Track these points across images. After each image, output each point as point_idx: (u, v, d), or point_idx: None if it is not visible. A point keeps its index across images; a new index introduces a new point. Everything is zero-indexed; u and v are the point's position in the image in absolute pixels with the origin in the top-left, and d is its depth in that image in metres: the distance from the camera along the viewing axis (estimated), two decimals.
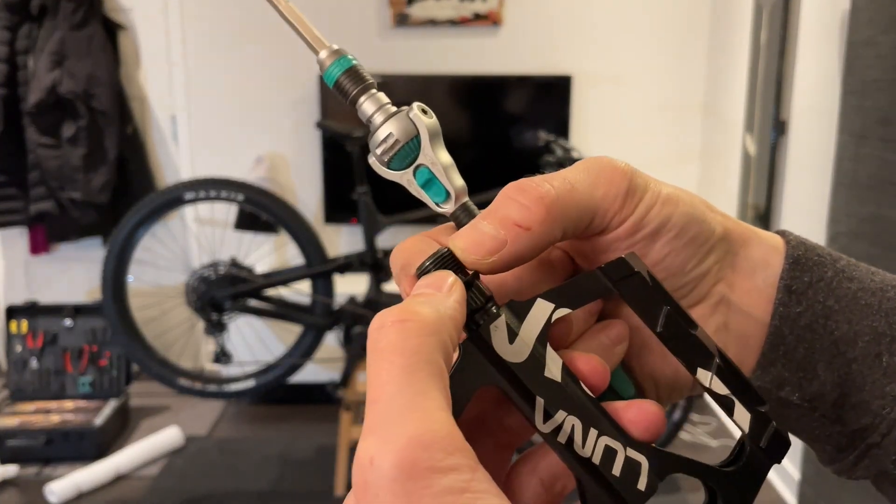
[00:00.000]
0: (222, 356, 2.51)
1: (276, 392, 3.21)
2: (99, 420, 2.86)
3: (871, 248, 1.90)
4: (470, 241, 0.29)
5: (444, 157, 0.31)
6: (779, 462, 0.29)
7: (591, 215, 0.31)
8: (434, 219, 2.65)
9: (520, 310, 0.29)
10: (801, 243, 0.35)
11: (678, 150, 3.49)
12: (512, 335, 0.28)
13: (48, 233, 3.40)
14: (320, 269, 2.43)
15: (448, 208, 0.31)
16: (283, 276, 2.46)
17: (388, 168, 0.31)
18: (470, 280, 0.28)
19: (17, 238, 3.55)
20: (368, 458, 0.23)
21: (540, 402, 0.28)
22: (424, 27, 3.33)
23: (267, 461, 2.80)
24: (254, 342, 3.06)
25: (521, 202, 0.29)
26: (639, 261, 0.29)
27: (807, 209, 2.44)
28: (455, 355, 0.27)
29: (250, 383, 2.56)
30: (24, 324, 3.09)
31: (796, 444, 2.29)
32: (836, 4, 2.26)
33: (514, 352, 0.28)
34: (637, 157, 3.48)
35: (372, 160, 0.31)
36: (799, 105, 2.51)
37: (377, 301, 2.44)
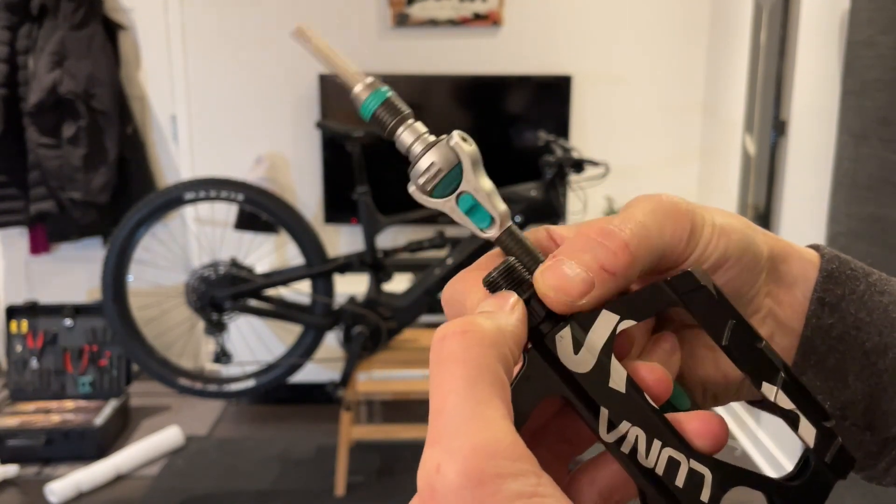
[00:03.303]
0: (222, 356, 2.51)
1: (277, 392, 3.21)
2: (99, 420, 2.86)
3: (870, 247, 1.90)
4: (560, 283, 0.29)
5: (486, 183, 0.31)
6: (844, 478, 0.29)
7: (661, 257, 0.31)
8: (434, 218, 2.66)
9: (585, 321, 0.29)
10: (835, 257, 0.36)
11: (678, 149, 3.50)
12: (577, 345, 0.28)
13: (48, 233, 3.41)
14: (320, 268, 2.43)
15: (493, 233, 0.31)
16: (283, 276, 2.46)
17: (431, 197, 0.31)
18: (534, 293, 0.29)
19: (17, 238, 3.55)
20: (435, 465, 0.24)
21: (604, 412, 0.28)
22: (424, 27, 3.33)
23: (267, 461, 2.80)
24: (254, 342, 3.06)
25: (607, 247, 0.30)
26: (705, 275, 0.30)
27: (806, 209, 2.44)
28: (518, 367, 0.28)
29: (250, 383, 2.56)
30: (25, 324, 3.10)
31: (796, 443, 2.27)
32: (836, 5, 2.26)
33: (579, 362, 0.28)
34: (637, 157, 3.49)
35: (413, 189, 0.31)
36: (799, 105, 2.51)
37: (377, 301, 2.44)
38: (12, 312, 3.11)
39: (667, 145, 3.48)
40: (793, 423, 0.29)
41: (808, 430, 0.29)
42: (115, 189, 3.25)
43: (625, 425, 0.28)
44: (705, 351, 0.34)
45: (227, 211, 3.34)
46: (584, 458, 0.32)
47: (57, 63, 3.08)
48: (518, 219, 2.34)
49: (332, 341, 2.56)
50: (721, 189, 3.21)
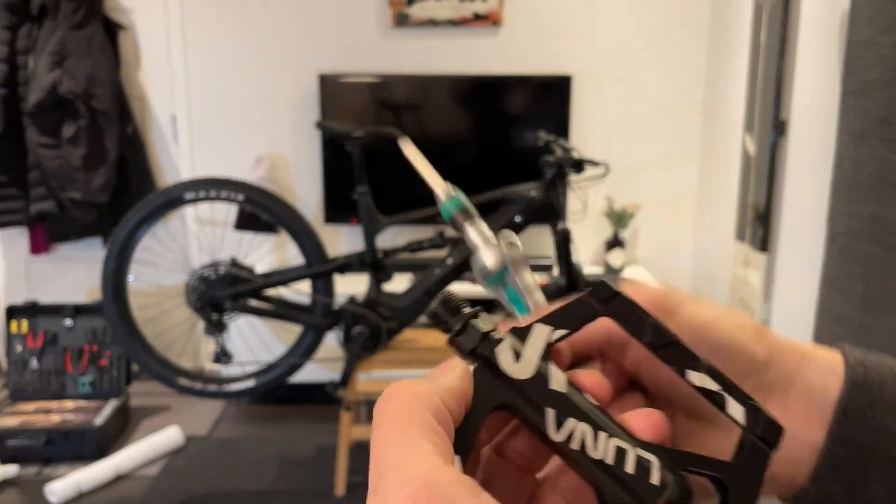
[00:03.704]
0: (222, 356, 2.51)
1: (277, 392, 3.21)
2: (99, 420, 2.86)
3: (870, 248, 1.90)
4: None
5: (528, 278, 0.38)
6: (776, 447, 0.31)
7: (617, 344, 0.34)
8: (434, 219, 2.64)
9: (521, 334, 0.31)
10: (860, 363, 0.35)
11: (678, 150, 3.50)
12: (517, 355, 0.30)
13: (48, 233, 3.41)
14: (320, 269, 2.42)
15: (529, 320, 0.34)
16: (284, 276, 2.46)
17: (485, 284, 0.39)
18: (473, 313, 0.31)
19: (17, 238, 3.55)
20: None
21: (550, 412, 0.29)
22: (424, 27, 3.33)
23: (267, 461, 2.81)
24: (254, 342, 3.06)
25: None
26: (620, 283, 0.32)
27: (806, 209, 2.45)
28: (457, 411, 0.29)
29: (250, 383, 2.55)
30: (25, 324, 3.10)
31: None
32: (836, 4, 2.26)
33: (521, 370, 0.30)
34: (637, 157, 3.49)
35: (473, 276, 0.37)
36: (799, 105, 2.51)
37: (377, 301, 2.44)
38: (12, 312, 3.11)
39: (667, 145, 3.48)
40: (720, 404, 0.31)
41: (736, 409, 0.31)
42: (115, 189, 3.26)
43: (571, 422, 0.29)
44: (691, 426, 0.35)
45: (227, 211, 3.34)
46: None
47: (57, 63, 3.08)
48: (518, 219, 2.34)
49: (332, 341, 2.56)
50: (721, 189, 3.21)
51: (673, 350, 0.31)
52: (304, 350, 2.52)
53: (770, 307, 2.72)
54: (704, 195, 3.44)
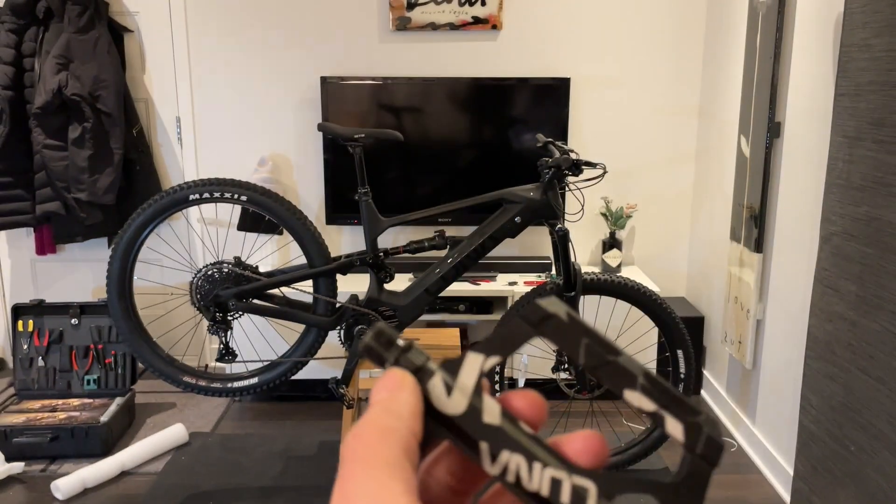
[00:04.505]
0: (226, 354, 2.54)
1: (280, 389, 3.25)
2: (104, 417, 2.89)
3: (864, 248, 1.93)
4: None
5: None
6: (716, 465, 0.30)
7: None
8: (434, 219, 2.67)
9: (452, 366, 0.31)
10: None
11: (674, 151, 3.53)
12: (448, 389, 0.30)
13: (54, 234, 3.43)
14: (322, 268, 2.46)
15: None
16: (286, 276, 2.49)
17: None
18: (407, 346, 0.31)
19: (23, 238, 3.58)
20: None
21: (484, 446, 0.29)
22: (425, 31, 3.36)
23: (270, 457, 2.84)
24: (257, 340, 3.09)
25: None
26: (556, 303, 0.31)
27: (801, 210, 2.48)
28: (420, 431, 0.29)
29: (254, 381, 2.59)
30: (31, 322, 3.13)
31: (790, 440, 2.31)
32: (830, 8, 2.29)
33: (453, 404, 0.30)
34: (634, 159, 3.53)
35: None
36: (793, 107, 2.54)
37: (378, 300, 2.48)
38: (19, 311, 3.14)
39: (663, 147, 3.52)
40: (660, 423, 0.30)
41: (675, 427, 0.30)
42: (120, 190, 3.28)
43: (505, 454, 0.29)
44: None
45: (230, 211, 3.38)
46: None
47: (62, 66, 3.11)
48: (517, 220, 2.37)
49: (334, 340, 2.60)
50: (716, 190, 3.24)
51: (609, 370, 0.30)
52: (306, 348, 2.56)
53: (764, 306, 2.76)
54: (700, 196, 3.48)
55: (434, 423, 0.30)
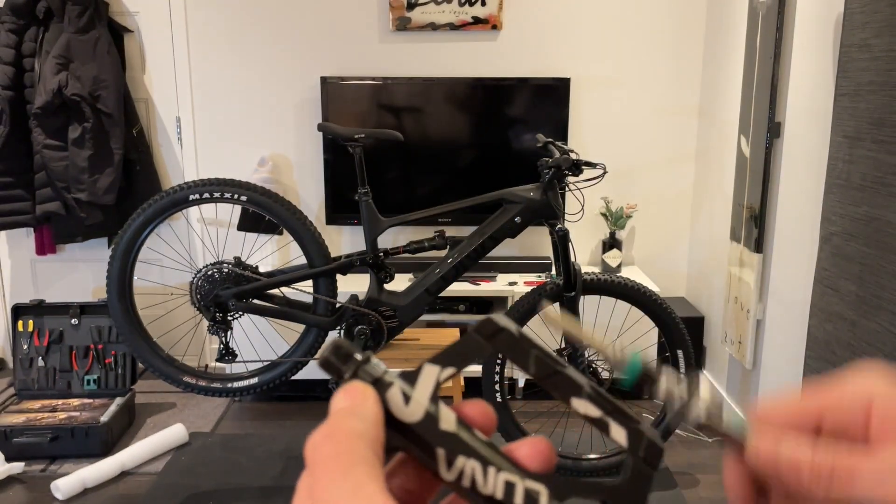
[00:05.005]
0: (226, 354, 2.55)
1: (280, 389, 3.25)
2: (104, 417, 2.89)
3: (864, 248, 1.93)
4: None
5: (706, 394, 0.36)
6: (657, 468, 0.32)
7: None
8: (434, 219, 2.67)
9: (410, 377, 0.32)
10: None
11: (674, 151, 3.53)
12: (406, 398, 0.31)
13: (54, 234, 3.43)
14: (322, 268, 2.46)
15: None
16: (286, 276, 2.50)
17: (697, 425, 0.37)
18: (364, 359, 0.32)
19: (23, 238, 3.58)
20: None
21: (441, 452, 0.30)
22: (425, 31, 3.37)
23: (270, 457, 2.84)
24: (257, 340, 3.10)
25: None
26: (506, 320, 0.33)
27: (801, 210, 2.48)
28: (383, 442, 0.30)
29: (254, 381, 2.59)
30: (31, 322, 3.13)
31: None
32: (830, 8, 2.29)
33: (411, 412, 0.31)
34: (634, 159, 3.53)
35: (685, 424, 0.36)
36: (793, 107, 2.54)
37: (378, 300, 2.48)
38: (19, 311, 3.14)
39: (663, 147, 3.52)
40: (604, 428, 0.32)
41: (618, 432, 0.32)
42: (120, 190, 3.28)
43: (461, 460, 0.30)
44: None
45: (230, 211, 3.38)
46: None
47: (62, 66, 3.12)
48: (517, 220, 2.38)
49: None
50: (716, 190, 3.25)
51: (557, 379, 0.32)
52: (306, 348, 2.56)
53: (764, 306, 2.76)
54: (700, 196, 3.48)
55: (392, 433, 0.30)
